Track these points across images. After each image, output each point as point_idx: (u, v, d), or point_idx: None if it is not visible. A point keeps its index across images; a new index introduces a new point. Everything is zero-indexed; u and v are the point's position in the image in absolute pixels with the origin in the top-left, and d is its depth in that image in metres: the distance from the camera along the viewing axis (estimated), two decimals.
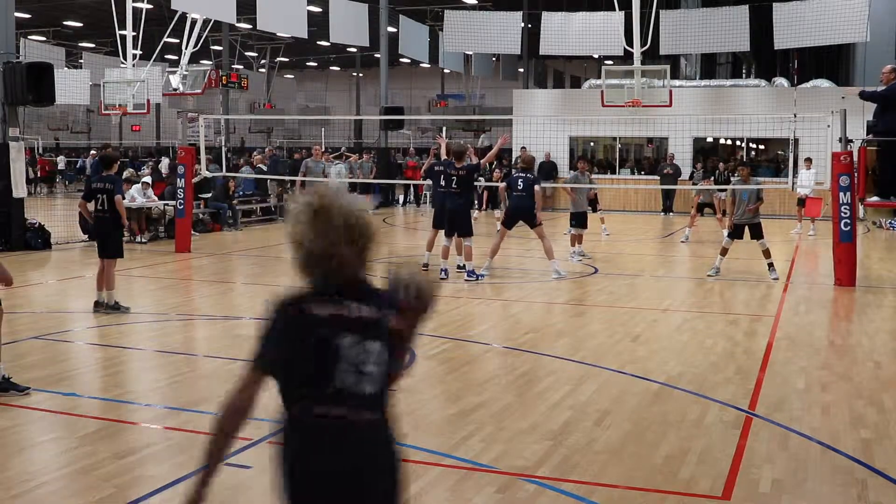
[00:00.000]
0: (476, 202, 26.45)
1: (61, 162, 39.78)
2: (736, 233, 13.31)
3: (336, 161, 23.91)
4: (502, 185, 15.51)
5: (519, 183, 13.45)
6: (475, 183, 14.51)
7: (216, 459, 2.91)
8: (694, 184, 24.78)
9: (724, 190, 23.93)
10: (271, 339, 2.90)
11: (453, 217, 13.00)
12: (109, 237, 10.41)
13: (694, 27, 24.19)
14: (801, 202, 20.18)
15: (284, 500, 2.69)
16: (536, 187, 13.58)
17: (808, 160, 19.36)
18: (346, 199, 2.81)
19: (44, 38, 37.90)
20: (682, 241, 18.41)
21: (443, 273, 12.77)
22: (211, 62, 36.59)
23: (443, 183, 13.23)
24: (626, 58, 23.87)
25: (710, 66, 38.29)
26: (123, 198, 10.83)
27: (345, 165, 23.99)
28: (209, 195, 20.08)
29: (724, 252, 13.57)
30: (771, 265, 13.25)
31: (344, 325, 2.76)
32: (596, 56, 35.84)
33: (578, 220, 15.50)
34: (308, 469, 2.67)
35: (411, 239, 19.74)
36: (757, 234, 13.17)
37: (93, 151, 33.34)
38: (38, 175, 32.88)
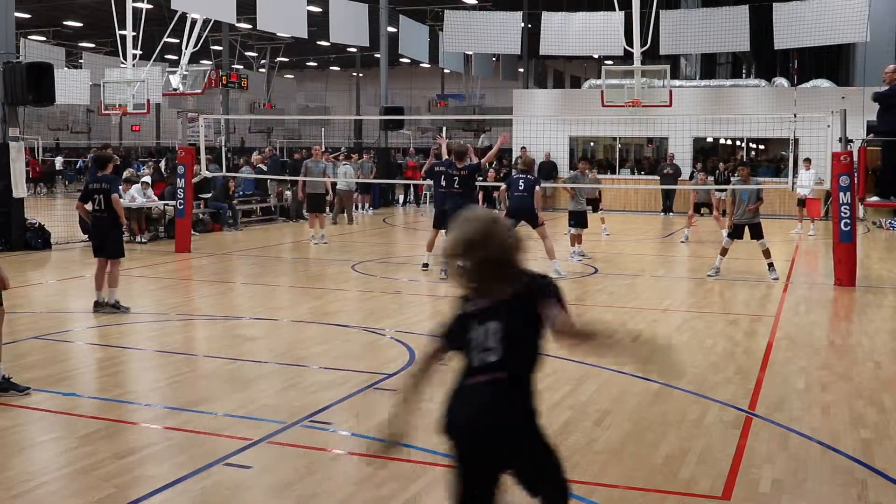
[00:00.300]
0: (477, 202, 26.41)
1: (58, 162, 39.73)
2: (736, 233, 13.33)
3: (344, 161, 23.84)
4: (503, 186, 15.47)
5: (520, 183, 13.48)
6: (475, 183, 14.55)
7: (412, 395, 3.76)
8: (694, 184, 24.80)
9: (724, 190, 24.07)
10: (449, 323, 3.50)
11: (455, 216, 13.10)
12: (107, 237, 10.41)
13: (694, 27, 24.19)
14: (802, 202, 20.19)
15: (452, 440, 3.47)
16: (537, 188, 13.61)
17: (808, 160, 19.37)
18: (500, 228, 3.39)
19: (44, 38, 37.90)
20: (682, 242, 18.42)
21: (442, 273, 12.82)
22: (211, 62, 36.60)
23: (444, 183, 13.26)
24: (626, 58, 23.88)
25: (710, 66, 38.28)
26: (121, 197, 10.83)
27: (354, 165, 24.03)
28: (209, 195, 20.09)
29: (724, 252, 13.59)
30: (771, 265, 13.26)
31: (494, 315, 3.31)
32: (596, 56, 35.84)
33: (577, 220, 15.52)
34: (468, 417, 3.39)
35: (412, 239, 19.73)
36: (757, 234, 13.19)
37: (91, 153, 33.29)
38: (30, 176, 32.85)
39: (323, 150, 21.75)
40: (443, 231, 14.05)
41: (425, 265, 13.68)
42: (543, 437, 3.43)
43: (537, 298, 3.30)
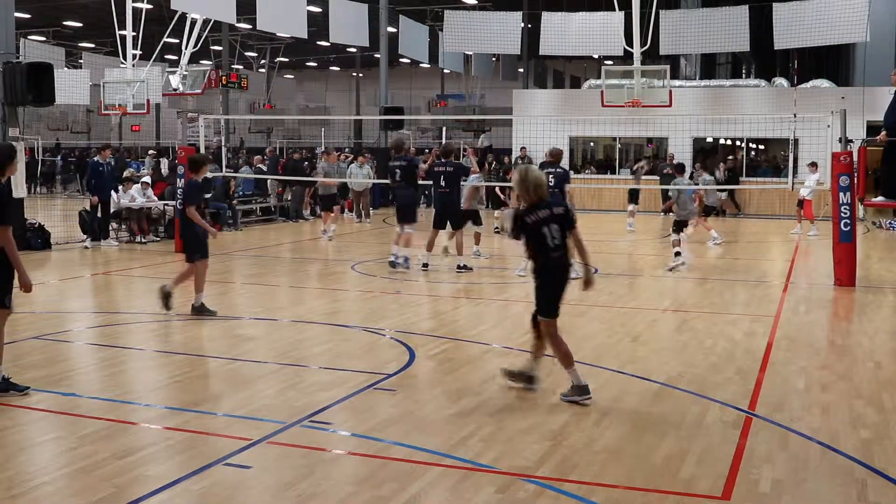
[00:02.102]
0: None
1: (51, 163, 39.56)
2: (678, 226, 14.62)
3: (363, 163, 23.79)
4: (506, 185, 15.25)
5: (550, 179, 12.02)
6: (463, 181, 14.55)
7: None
8: (695, 184, 24.77)
9: (724, 190, 24.08)
10: (519, 224, 6.77)
11: (444, 210, 13.79)
12: (183, 240, 10.49)
13: (694, 27, 24.18)
14: (801, 203, 20.19)
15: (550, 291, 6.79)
16: (567, 186, 12.99)
17: (814, 164, 19.16)
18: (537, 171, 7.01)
19: (44, 38, 37.90)
20: (715, 244, 18.12)
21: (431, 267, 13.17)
22: (211, 62, 36.61)
23: (442, 183, 13.30)
24: (626, 58, 23.88)
25: (709, 66, 38.30)
26: (196, 207, 10.41)
27: (370, 165, 24.29)
28: (209, 195, 20.08)
29: (677, 244, 14.62)
30: (678, 254, 14.38)
31: (550, 218, 6.73)
32: (596, 56, 35.85)
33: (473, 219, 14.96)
34: (557, 273, 6.82)
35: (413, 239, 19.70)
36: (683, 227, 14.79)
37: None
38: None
39: (338, 153, 22.06)
40: (441, 231, 14.10)
41: (425, 265, 13.68)
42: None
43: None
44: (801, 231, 19.88)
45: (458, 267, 13.66)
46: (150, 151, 30.72)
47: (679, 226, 14.56)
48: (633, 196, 22.16)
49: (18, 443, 5.86)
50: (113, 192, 17.57)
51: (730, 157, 27.10)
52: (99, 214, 17.10)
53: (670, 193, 15.74)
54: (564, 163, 27.69)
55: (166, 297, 10.07)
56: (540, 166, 13.24)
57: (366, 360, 8.11)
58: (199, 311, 10.06)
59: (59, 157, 39.49)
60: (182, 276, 10.27)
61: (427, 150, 28.23)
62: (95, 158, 17.87)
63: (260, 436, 5.91)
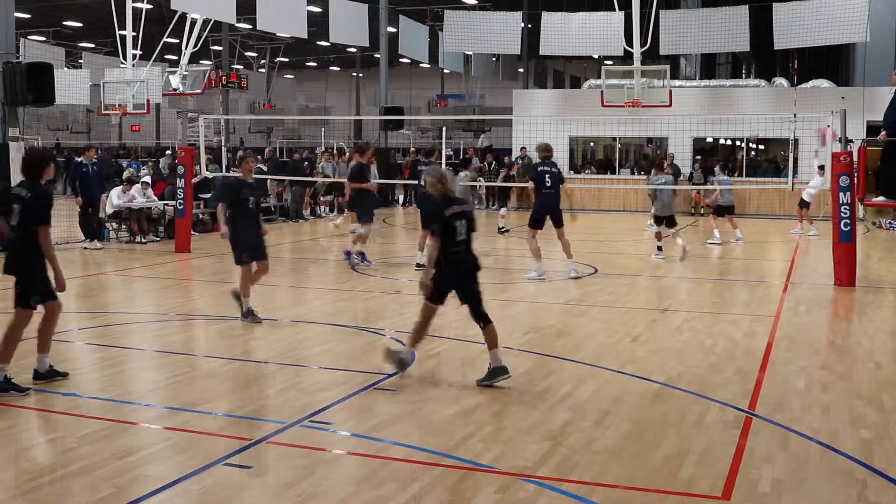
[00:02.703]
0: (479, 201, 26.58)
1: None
2: (659, 221, 15.40)
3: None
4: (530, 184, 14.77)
5: (546, 179, 12.71)
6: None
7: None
8: (695, 184, 24.81)
9: (700, 190, 24.05)
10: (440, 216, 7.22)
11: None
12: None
13: (694, 27, 24.18)
14: (803, 204, 20.15)
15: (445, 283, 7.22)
16: (563, 186, 13.05)
17: (822, 168, 19.07)
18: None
19: (44, 38, 37.90)
20: (738, 241, 18.02)
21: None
22: (211, 62, 36.62)
23: (423, 182, 13.35)
24: (626, 58, 23.88)
25: (709, 66, 38.31)
26: (232, 205, 9.81)
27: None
28: (209, 195, 20.08)
29: (659, 237, 15.49)
30: (660, 248, 15.35)
31: (458, 215, 7.22)
32: (596, 56, 35.84)
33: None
34: (457, 266, 7.27)
35: (411, 239, 19.70)
36: (672, 223, 15.37)
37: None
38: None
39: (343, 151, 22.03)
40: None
41: (419, 265, 13.68)
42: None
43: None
44: (802, 231, 19.87)
45: (417, 265, 13.51)
46: (168, 152, 30.65)
47: (660, 220, 15.37)
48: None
49: (18, 443, 5.86)
50: (103, 195, 17.56)
51: (698, 157, 26.85)
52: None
53: (649, 194, 16.14)
54: (564, 163, 28.01)
55: (242, 308, 9.68)
56: (536, 166, 13.25)
57: (366, 360, 8.11)
58: (247, 315, 9.67)
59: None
60: (253, 282, 9.81)
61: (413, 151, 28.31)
62: (79, 159, 17.81)
63: (260, 436, 5.91)
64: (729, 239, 17.94)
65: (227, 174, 17.43)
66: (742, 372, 7.79)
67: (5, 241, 6.74)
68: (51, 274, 7.05)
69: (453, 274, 7.28)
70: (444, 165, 13.74)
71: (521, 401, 6.82)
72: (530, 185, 13.25)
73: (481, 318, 7.32)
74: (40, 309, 7.15)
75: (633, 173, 28.67)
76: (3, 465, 5.40)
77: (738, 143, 29.31)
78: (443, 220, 7.20)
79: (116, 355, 8.46)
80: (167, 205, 18.35)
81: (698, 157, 26.92)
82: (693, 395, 7.00)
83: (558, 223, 12.93)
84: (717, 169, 21.53)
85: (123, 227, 18.07)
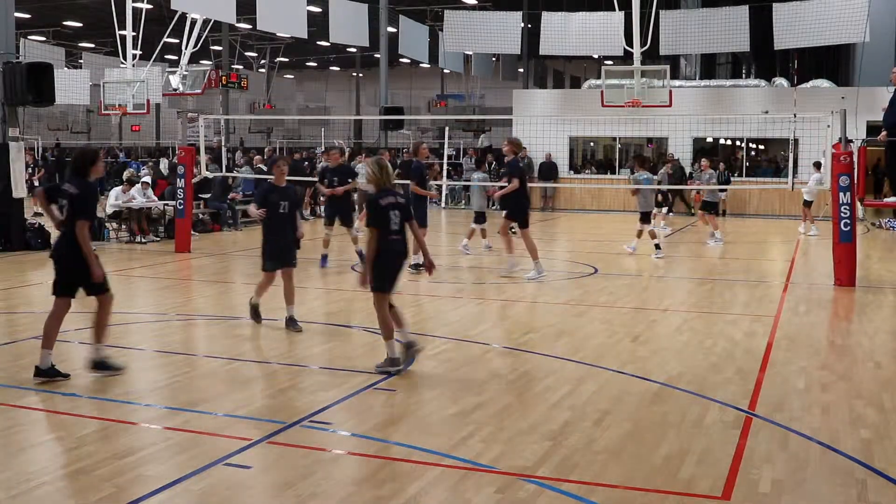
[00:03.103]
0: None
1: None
2: (646, 218, 15.80)
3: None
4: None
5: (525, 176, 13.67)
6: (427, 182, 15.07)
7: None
8: (695, 183, 24.75)
9: (725, 190, 24.07)
10: (373, 206, 7.57)
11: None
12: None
13: (694, 27, 24.20)
14: (807, 203, 20.15)
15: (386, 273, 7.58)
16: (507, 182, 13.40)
17: (818, 164, 19.12)
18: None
19: (44, 38, 37.92)
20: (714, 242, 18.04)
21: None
22: (211, 62, 36.63)
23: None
24: (626, 58, 23.89)
25: (709, 66, 38.34)
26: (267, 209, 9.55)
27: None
28: (209, 195, 20.09)
29: (653, 235, 15.79)
30: (658, 246, 15.55)
31: (393, 206, 7.58)
32: (596, 56, 35.87)
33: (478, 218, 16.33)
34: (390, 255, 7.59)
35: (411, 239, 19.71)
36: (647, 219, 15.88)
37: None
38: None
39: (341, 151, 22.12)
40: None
41: (414, 266, 13.65)
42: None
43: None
44: (805, 230, 19.85)
45: (411, 266, 13.38)
46: (149, 163, 30.67)
47: (645, 217, 15.77)
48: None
49: (18, 443, 5.86)
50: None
51: (670, 153, 26.73)
52: None
53: (632, 190, 16.66)
54: (564, 162, 28.03)
55: (290, 321, 9.44)
56: (540, 166, 13.36)
57: (366, 360, 8.10)
58: (289, 323, 9.42)
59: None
60: (286, 290, 9.47)
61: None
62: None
63: (260, 436, 5.91)
64: (706, 239, 17.88)
65: (226, 174, 17.47)
66: (742, 372, 7.79)
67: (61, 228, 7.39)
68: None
69: (391, 260, 7.61)
70: (443, 165, 13.72)
71: (521, 401, 6.82)
72: (515, 183, 13.16)
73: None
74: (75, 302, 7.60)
75: (632, 173, 28.66)
76: (4, 465, 5.39)
77: (737, 143, 29.32)
78: (378, 209, 7.50)
79: (116, 355, 8.45)
80: (167, 205, 18.35)
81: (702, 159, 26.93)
82: (693, 395, 7.00)
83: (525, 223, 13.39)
84: (700, 164, 21.17)
85: (123, 227, 18.08)
